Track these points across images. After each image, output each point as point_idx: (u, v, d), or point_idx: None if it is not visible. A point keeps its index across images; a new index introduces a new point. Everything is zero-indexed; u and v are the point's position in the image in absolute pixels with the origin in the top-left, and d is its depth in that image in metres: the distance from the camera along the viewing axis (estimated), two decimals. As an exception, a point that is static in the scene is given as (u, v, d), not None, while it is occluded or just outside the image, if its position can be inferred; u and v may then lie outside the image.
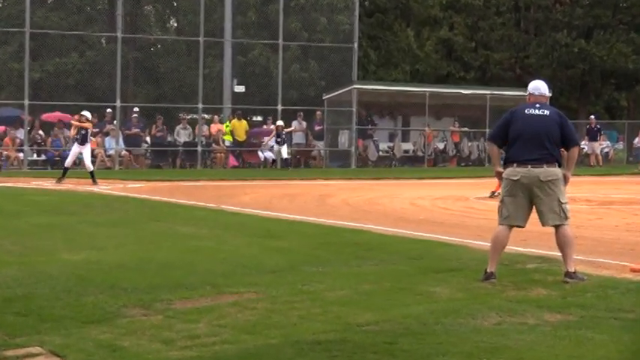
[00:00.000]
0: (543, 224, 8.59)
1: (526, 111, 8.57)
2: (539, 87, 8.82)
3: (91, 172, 22.52)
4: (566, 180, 8.53)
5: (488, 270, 8.36)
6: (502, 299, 7.45)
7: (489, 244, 8.64)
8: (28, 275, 8.29)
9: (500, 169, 8.77)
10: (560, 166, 8.52)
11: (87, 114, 22.64)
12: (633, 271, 9.06)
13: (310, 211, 15.60)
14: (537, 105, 8.62)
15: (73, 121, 23.85)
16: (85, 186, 21.31)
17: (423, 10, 46.14)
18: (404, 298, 7.44)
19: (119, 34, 30.72)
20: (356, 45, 34.14)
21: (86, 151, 22.73)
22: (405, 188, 22.55)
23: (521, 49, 46.51)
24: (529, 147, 8.40)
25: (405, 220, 14.56)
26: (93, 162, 27.63)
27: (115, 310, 6.85)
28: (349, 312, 6.85)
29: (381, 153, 35.50)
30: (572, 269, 8.37)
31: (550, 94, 8.90)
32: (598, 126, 36.76)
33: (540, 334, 6.22)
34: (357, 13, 34.48)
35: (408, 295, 7.60)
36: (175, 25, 41.38)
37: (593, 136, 36.24)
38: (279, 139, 30.74)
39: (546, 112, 8.52)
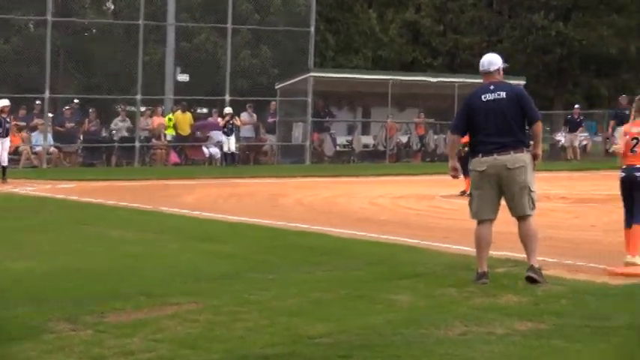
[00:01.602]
0: (513, 214, 8.74)
1: (483, 97, 8.75)
2: (490, 61, 8.97)
3: (5, 167, 22.95)
4: (535, 159, 8.72)
5: (479, 270, 8.58)
6: (468, 307, 7.49)
7: (474, 245, 8.83)
8: (-59, 287, 8.18)
9: (456, 164, 9.02)
10: (528, 148, 8.67)
11: (4, 102, 23.06)
12: (611, 274, 9.15)
13: (260, 212, 15.58)
14: (492, 87, 8.78)
15: None
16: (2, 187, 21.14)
17: (387, -11, 46.19)
18: (361, 307, 7.45)
19: (49, 18, 30.38)
20: (313, 29, 34.08)
21: (6, 145, 23.28)
22: (364, 186, 22.62)
23: (494, 33, 46.64)
24: (493, 135, 8.60)
25: (365, 221, 14.60)
26: (18, 160, 27.88)
27: (40, 325, 6.79)
28: (299, 323, 6.85)
29: (338, 148, 35.47)
30: (536, 264, 8.50)
31: (503, 65, 8.94)
32: (581, 117, 37.02)
33: (510, 344, 6.26)
34: (314, -7, 34.42)
35: (366, 303, 7.61)
36: (112, 7, 40.99)
37: (573, 128, 36.42)
38: (225, 129, 30.37)
39: (502, 95, 8.70)
